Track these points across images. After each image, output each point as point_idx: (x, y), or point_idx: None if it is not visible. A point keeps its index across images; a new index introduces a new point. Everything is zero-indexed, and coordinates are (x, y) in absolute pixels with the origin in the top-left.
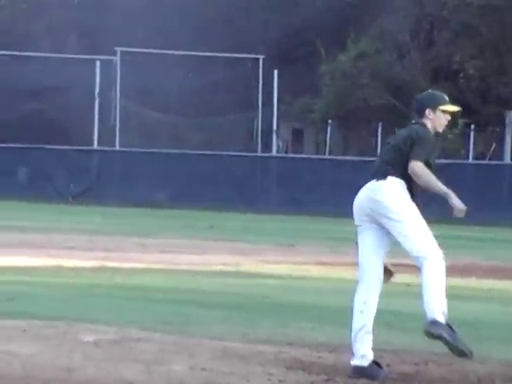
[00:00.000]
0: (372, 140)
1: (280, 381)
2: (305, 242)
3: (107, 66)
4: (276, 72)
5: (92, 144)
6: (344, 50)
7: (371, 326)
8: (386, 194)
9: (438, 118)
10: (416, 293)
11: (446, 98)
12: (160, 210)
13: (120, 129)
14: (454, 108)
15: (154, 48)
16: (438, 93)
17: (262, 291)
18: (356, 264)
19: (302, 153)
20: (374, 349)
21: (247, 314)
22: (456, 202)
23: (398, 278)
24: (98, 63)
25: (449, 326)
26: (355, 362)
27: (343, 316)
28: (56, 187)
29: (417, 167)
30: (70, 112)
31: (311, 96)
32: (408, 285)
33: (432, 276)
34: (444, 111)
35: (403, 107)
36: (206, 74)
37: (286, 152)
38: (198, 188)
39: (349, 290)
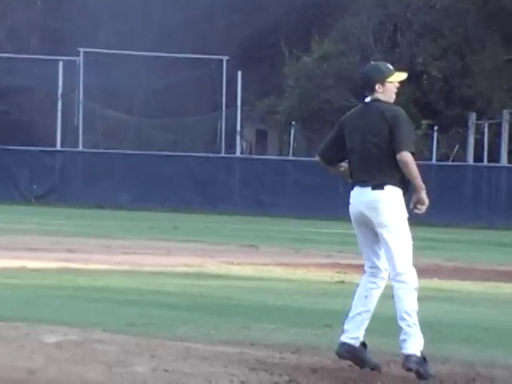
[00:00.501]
0: None
1: (242, 382)
2: (268, 244)
3: (70, 67)
4: (240, 73)
5: (55, 145)
6: (308, 51)
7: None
8: (386, 205)
9: (388, 91)
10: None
11: (391, 68)
12: (124, 211)
13: (83, 129)
14: (402, 76)
15: (118, 49)
16: (382, 64)
17: (225, 292)
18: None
19: (265, 154)
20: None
21: (210, 315)
22: (425, 197)
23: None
24: (60, 64)
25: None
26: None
27: (306, 317)
28: (19, 188)
29: (409, 157)
30: (33, 113)
31: (275, 97)
32: None
33: (403, 297)
34: (391, 82)
35: None
36: (170, 75)
37: (250, 153)
38: (161, 189)
39: (311, 291)
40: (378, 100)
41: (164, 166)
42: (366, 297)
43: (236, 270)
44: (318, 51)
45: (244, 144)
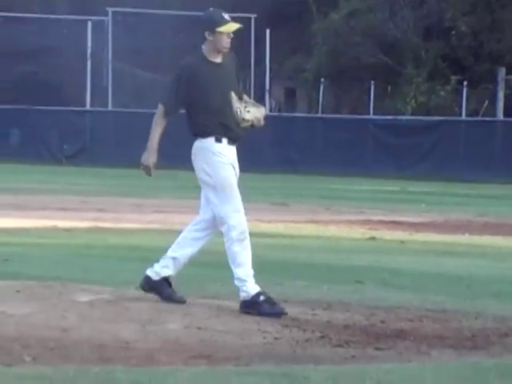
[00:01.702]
0: (365, 98)
1: (275, 338)
2: (298, 201)
3: (99, 27)
4: (268, 31)
5: (85, 105)
6: (336, 8)
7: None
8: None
9: (218, 41)
10: (410, 250)
11: (225, 18)
12: (154, 170)
13: (112, 89)
14: (232, 28)
15: (146, 8)
16: (215, 13)
17: (256, 250)
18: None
19: (294, 112)
20: (367, 306)
21: None
22: (143, 157)
23: (392, 235)
24: (89, 24)
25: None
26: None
27: (337, 274)
28: (49, 149)
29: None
30: (63, 73)
31: (303, 55)
32: (402, 242)
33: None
34: (221, 32)
35: (395, 65)
36: (197, 33)
37: (279, 111)
38: (190, 148)
39: (342, 247)
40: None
41: None
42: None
43: (267, 227)
44: (346, 8)
45: (273, 102)
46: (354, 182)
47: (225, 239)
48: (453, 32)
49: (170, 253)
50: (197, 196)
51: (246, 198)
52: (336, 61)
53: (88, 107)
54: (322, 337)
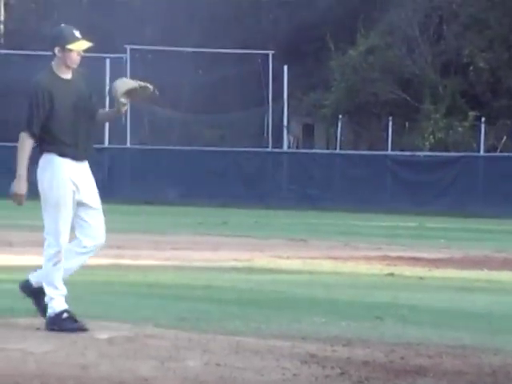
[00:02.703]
0: (383, 134)
1: (294, 375)
2: (316, 237)
3: (117, 64)
4: (286, 67)
5: (103, 142)
6: (354, 44)
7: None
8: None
9: (68, 57)
10: (429, 286)
11: (76, 35)
12: (172, 207)
13: (131, 126)
14: (82, 46)
15: (164, 45)
16: (66, 29)
17: (275, 286)
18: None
19: (312, 148)
20: (386, 343)
21: (261, 309)
22: (15, 186)
23: (411, 271)
24: (107, 61)
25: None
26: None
27: (356, 310)
28: None
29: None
30: None
31: (322, 91)
32: (421, 278)
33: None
34: (71, 50)
35: (413, 101)
36: (216, 70)
37: (297, 147)
38: (209, 185)
39: (360, 283)
40: (48, 68)
41: (211, 162)
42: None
43: (285, 264)
44: (364, 44)
45: (291, 138)
46: (372, 218)
47: (44, 253)
48: (471, 68)
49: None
50: (215, 233)
51: (264, 234)
52: (354, 97)
53: (106, 144)
54: (342, 373)
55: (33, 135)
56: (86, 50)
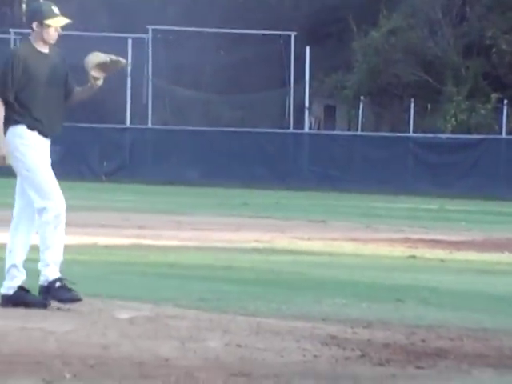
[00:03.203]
0: (404, 116)
1: (315, 356)
2: (337, 219)
3: (139, 44)
4: (308, 49)
5: (125, 122)
6: (376, 26)
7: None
8: None
9: (45, 33)
10: (450, 268)
11: (54, 11)
12: (193, 187)
13: (152, 107)
14: (60, 22)
15: (186, 26)
16: (45, 4)
17: (296, 268)
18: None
19: (334, 129)
20: (407, 325)
21: (281, 290)
22: None
23: (432, 253)
24: (129, 41)
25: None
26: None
27: (377, 292)
28: (89, 165)
29: None
30: (103, 90)
31: (343, 72)
32: (442, 260)
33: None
34: (49, 25)
35: (436, 83)
36: (238, 51)
37: (319, 129)
38: (230, 165)
39: (381, 265)
40: (26, 40)
41: (232, 142)
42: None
43: (306, 245)
44: (386, 26)
45: (312, 120)
46: (393, 200)
47: (38, 222)
48: (493, 50)
49: (8, 263)
50: (237, 214)
51: (284, 215)
52: (376, 78)
53: (128, 124)
54: (362, 355)
55: (5, 101)
56: (64, 27)
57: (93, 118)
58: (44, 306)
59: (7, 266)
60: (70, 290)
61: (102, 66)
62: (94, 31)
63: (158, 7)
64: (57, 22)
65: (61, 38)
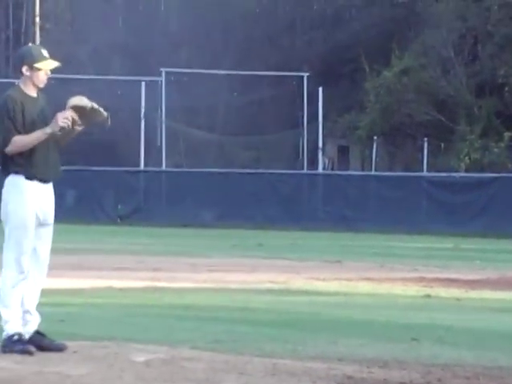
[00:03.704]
0: (418, 155)
1: None
2: (352, 259)
3: (152, 87)
4: (321, 89)
5: (139, 165)
6: (388, 66)
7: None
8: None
9: (35, 76)
10: (466, 307)
11: (44, 54)
12: (207, 229)
13: (166, 149)
14: (50, 65)
15: (199, 68)
16: (34, 48)
17: (311, 308)
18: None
19: (348, 169)
20: (423, 364)
21: (297, 331)
22: (51, 127)
23: (447, 292)
24: (143, 84)
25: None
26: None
27: (392, 331)
28: (104, 208)
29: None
30: (117, 133)
31: (356, 112)
32: (457, 299)
33: None
34: (39, 69)
35: (449, 122)
36: (251, 92)
37: (332, 169)
38: (245, 207)
39: (397, 305)
40: (15, 87)
41: (247, 183)
42: None
43: (321, 285)
44: (399, 65)
45: (326, 160)
46: (407, 240)
47: (2, 274)
48: (506, 88)
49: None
50: (251, 255)
51: (300, 256)
52: (389, 118)
53: (142, 167)
54: None
55: (6, 144)
56: (53, 71)
57: (107, 161)
58: (60, 349)
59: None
60: (24, 344)
61: (80, 110)
62: (108, 74)
63: (171, 50)
64: (47, 65)
65: (74, 81)
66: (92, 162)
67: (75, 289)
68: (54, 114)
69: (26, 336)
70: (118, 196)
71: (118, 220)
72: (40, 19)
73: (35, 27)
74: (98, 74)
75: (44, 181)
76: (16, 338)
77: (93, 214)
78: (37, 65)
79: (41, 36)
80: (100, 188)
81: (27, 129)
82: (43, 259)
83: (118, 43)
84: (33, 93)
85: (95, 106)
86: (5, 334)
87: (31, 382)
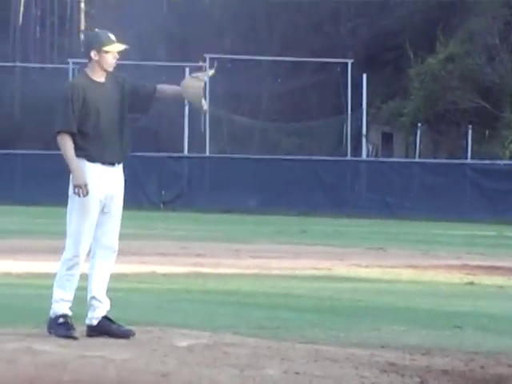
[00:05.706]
0: (462, 143)
1: (373, 383)
2: (396, 246)
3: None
4: (365, 76)
5: (182, 151)
6: (433, 52)
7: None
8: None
9: (104, 60)
10: (509, 295)
11: (111, 38)
12: (251, 215)
13: (210, 135)
14: (118, 48)
15: (243, 54)
16: (102, 33)
17: (354, 295)
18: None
19: (391, 156)
20: (466, 351)
21: (340, 317)
22: (73, 179)
23: (491, 280)
24: (187, 70)
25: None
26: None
27: (435, 319)
28: (147, 194)
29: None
30: (161, 119)
31: (400, 99)
32: (500, 287)
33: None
34: (107, 52)
35: (493, 109)
36: (295, 79)
37: (376, 156)
38: (288, 193)
39: (440, 292)
40: (82, 72)
41: (290, 170)
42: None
43: (364, 272)
44: (443, 52)
45: (370, 147)
46: (451, 227)
47: (62, 256)
48: None
49: (89, 294)
50: (295, 241)
51: (343, 243)
52: (433, 105)
53: (186, 153)
54: (421, 382)
55: (70, 133)
56: (121, 57)
57: (151, 147)
58: (127, 336)
59: (88, 297)
60: (69, 329)
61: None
62: (152, 60)
63: (216, 36)
64: (115, 48)
65: (118, 67)
66: (136, 148)
67: (119, 274)
68: (122, 93)
69: (94, 322)
70: (161, 182)
71: (162, 206)
72: (85, 5)
73: (80, 13)
74: (142, 60)
75: (108, 163)
76: (61, 320)
77: (136, 199)
78: (105, 48)
79: (85, 22)
80: (144, 174)
81: (87, 117)
82: (109, 246)
83: (162, 29)
84: (100, 78)
85: (201, 76)
86: (52, 313)
87: (75, 366)
